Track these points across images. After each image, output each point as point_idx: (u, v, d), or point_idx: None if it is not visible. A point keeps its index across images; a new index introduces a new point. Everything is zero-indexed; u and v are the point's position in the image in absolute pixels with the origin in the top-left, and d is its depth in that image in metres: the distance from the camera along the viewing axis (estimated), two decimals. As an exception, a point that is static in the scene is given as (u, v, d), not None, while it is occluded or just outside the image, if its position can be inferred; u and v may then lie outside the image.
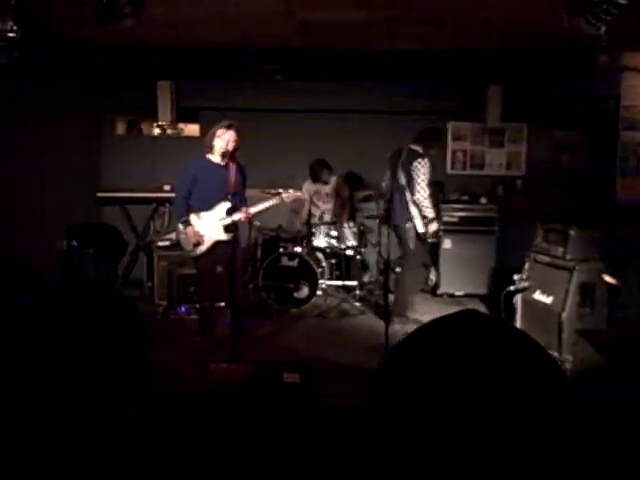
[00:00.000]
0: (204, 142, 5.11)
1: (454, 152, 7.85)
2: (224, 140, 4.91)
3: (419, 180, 5.73)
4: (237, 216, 4.94)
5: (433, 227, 5.91)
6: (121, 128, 8.44)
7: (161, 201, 7.48)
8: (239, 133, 4.97)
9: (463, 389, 0.69)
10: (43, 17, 5.27)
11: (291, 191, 5.35)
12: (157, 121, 7.69)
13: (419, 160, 5.74)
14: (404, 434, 0.71)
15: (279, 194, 5.27)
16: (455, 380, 0.69)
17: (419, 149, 5.82)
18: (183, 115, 7.74)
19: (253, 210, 5.07)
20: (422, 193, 5.75)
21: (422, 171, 5.72)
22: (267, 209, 5.21)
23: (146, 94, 7.40)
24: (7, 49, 3.90)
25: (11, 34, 3.83)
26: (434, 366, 0.72)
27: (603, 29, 3.96)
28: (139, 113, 8.46)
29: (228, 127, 4.94)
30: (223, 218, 5.03)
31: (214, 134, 4.98)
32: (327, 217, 7.10)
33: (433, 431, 0.69)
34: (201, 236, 5.05)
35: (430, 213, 5.80)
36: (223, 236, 5.02)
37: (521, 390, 0.69)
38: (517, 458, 0.68)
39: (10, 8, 3.79)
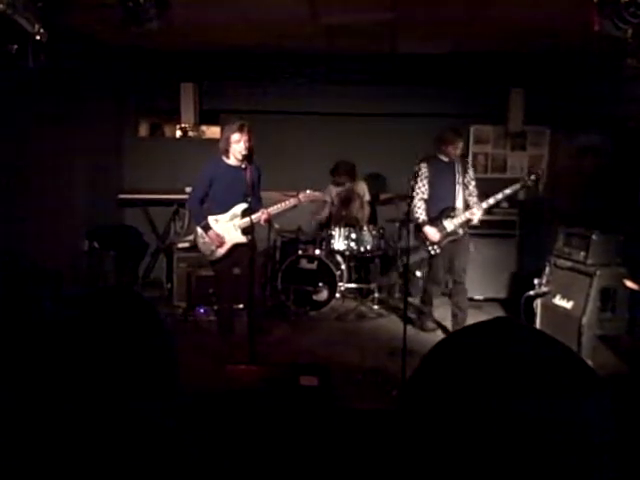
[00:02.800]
0: (219, 146, 5.08)
1: (475, 155, 7.81)
2: (241, 145, 4.89)
3: (413, 184, 5.38)
4: (255, 217, 4.90)
5: (429, 234, 5.46)
6: (144, 130, 8.52)
7: (182, 203, 7.53)
8: (250, 130, 4.96)
9: (498, 397, 0.68)
10: (69, 20, 5.34)
11: (309, 191, 5.24)
12: (180, 123, 7.75)
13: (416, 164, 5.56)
14: (434, 441, 0.71)
15: (297, 194, 5.24)
16: (490, 388, 0.69)
17: (439, 155, 5.61)
18: (205, 117, 7.80)
19: (271, 210, 5.06)
20: (414, 196, 5.38)
21: (418, 174, 5.43)
22: (285, 210, 5.20)
23: (169, 97, 7.47)
24: (35, 52, 3.95)
25: (38, 37, 3.88)
26: (467, 374, 0.71)
27: (630, 32, 3.92)
28: (162, 115, 8.54)
29: (241, 130, 4.91)
30: (240, 220, 5.05)
31: (228, 140, 4.94)
32: (347, 220, 7.09)
33: (465, 439, 0.69)
34: (222, 238, 5.06)
35: (418, 217, 5.51)
36: (241, 238, 5.03)
37: (557, 398, 0.69)
38: (552, 467, 0.67)
39: (37, 11, 3.84)
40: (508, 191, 5.35)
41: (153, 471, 0.90)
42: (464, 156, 5.77)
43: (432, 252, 5.51)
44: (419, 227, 5.54)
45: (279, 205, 5.12)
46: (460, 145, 5.57)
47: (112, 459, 0.87)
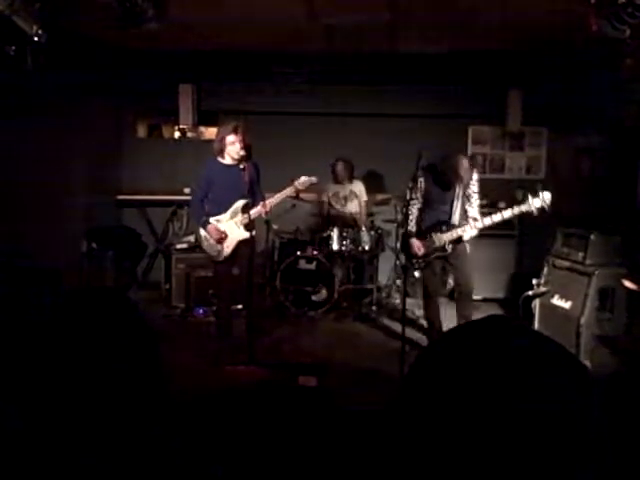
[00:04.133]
0: (214, 147, 5.08)
1: (473, 156, 7.81)
2: (236, 147, 4.90)
3: (410, 190, 5.07)
4: (254, 212, 4.92)
5: (414, 246, 5.12)
6: (142, 131, 8.51)
7: (180, 204, 7.53)
8: (244, 131, 4.96)
9: (490, 394, 0.69)
10: (67, 21, 5.33)
11: (303, 177, 5.16)
12: (178, 124, 7.75)
13: None
14: (428, 441, 0.71)
15: (292, 182, 5.18)
16: (482, 385, 0.70)
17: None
18: (204, 118, 7.80)
19: (269, 202, 5.04)
20: (409, 204, 5.16)
21: (416, 183, 5.12)
22: (283, 199, 5.20)
23: (167, 97, 7.47)
24: (34, 54, 3.95)
25: (37, 38, 3.88)
26: (460, 371, 0.72)
27: (628, 32, 3.93)
28: (160, 116, 8.53)
29: (235, 132, 4.91)
30: (241, 216, 5.05)
31: (223, 142, 4.96)
32: (345, 220, 7.09)
33: (458, 435, 0.69)
34: (223, 232, 5.06)
35: (407, 226, 5.22)
36: (245, 234, 5.01)
37: (549, 394, 0.70)
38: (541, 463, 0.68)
39: (35, 12, 3.84)
40: (507, 214, 4.90)
41: (137, 476, 0.89)
42: (470, 167, 5.15)
43: (416, 265, 5.19)
44: (405, 237, 5.27)
45: (277, 195, 5.12)
46: (461, 176, 4.97)
47: (95, 462, 0.87)
